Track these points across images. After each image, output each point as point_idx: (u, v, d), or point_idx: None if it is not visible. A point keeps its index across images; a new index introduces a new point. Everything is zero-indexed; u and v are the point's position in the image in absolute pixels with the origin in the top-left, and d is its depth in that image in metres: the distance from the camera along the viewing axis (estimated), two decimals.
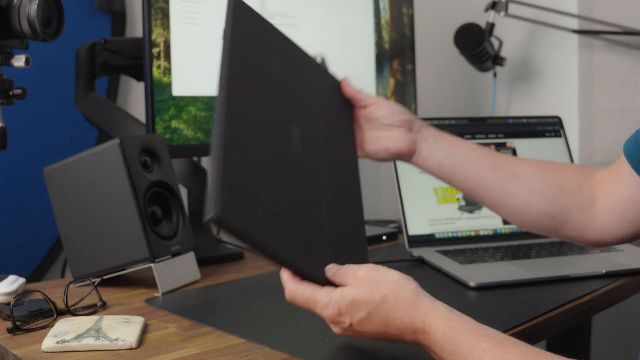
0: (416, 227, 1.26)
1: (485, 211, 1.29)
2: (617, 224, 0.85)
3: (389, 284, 0.65)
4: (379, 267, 0.68)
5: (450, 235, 1.27)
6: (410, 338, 0.65)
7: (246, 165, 0.65)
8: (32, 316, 0.88)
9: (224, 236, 0.60)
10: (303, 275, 0.68)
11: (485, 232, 1.28)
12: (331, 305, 0.66)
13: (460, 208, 1.28)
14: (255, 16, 0.78)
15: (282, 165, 0.71)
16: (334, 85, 0.91)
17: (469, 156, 0.89)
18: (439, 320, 0.63)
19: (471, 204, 1.29)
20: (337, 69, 1.48)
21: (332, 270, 0.69)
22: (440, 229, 1.26)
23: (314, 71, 0.88)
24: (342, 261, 0.70)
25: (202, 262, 1.17)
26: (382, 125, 0.89)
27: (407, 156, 0.90)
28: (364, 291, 0.65)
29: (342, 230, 0.76)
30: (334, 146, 0.82)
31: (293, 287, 0.68)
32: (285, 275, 0.69)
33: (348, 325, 0.67)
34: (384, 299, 0.65)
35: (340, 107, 0.89)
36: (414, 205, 1.26)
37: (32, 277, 1.41)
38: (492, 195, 0.89)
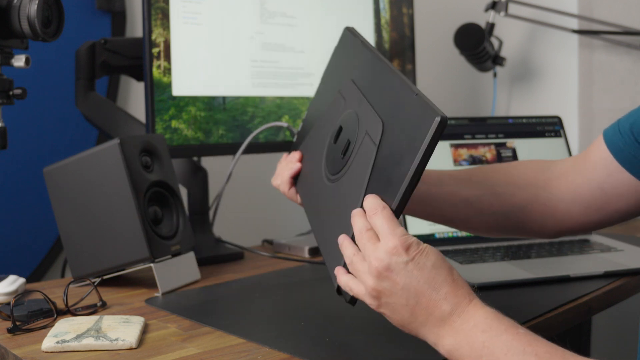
0: (416, 227, 1.25)
1: None
2: (582, 212, 0.85)
3: (439, 258, 0.66)
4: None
5: (450, 235, 1.27)
6: (448, 311, 0.63)
7: None
8: (32, 316, 0.88)
9: None
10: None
11: None
12: (377, 259, 0.64)
13: None
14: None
15: None
16: None
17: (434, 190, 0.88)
18: (479, 302, 0.65)
19: None
20: None
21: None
22: (441, 229, 1.26)
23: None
24: None
25: (202, 262, 1.17)
26: None
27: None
28: (417, 251, 0.64)
29: None
30: None
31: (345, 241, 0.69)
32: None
33: (388, 291, 0.64)
34: (435, 264, 0.65)
35: None
36: None
37: (32, 277, 1.41)
38: (442, 211, 0.88)
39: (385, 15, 1.57)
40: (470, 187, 0.88)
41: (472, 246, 1.24)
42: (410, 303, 0.63)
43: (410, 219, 1.25)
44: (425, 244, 0.65)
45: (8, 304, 0.89)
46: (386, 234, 0.64)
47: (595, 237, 1.30)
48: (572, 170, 0.87)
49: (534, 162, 0.93)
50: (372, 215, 0.66)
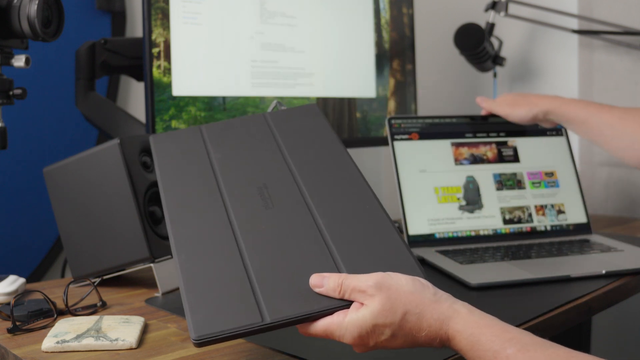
0: (416, 227, 1.26)
1: (485, 211, 1.29)
2: None
3: (406, 298, 0.62)
4: (388, 278, 0.63)
5: (450, 235, 1.27)
6: (438, 345, 0.63)
7: (204, 271, 0.67)
8: (32, 316, 0.88)
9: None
10: (316, 317, 0.64)
11: (486, 232, 1.28)
12: (349, 334, 0.62)
13: (461, 208, 1.28)
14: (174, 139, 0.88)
15: (251, 238, 0.72)
16: (300, 118, 0.92)
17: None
18: (461, 327, 0.61)
19: (472, 204, 1.29)
20: (337, 68, 1.48)
21: (323, 283, 0.65)
22: (441, 229, 1.26)
23: (265, 127, 0.89)
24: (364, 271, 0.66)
25: None
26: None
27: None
28: (383, 313, 0.61)
29: (359, 244, 0.72)
30: (320, 177, 0.81)
31: (308, 330, 0.65)
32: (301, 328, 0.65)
33: (372, 345, 0.63)
34: (404, 317, 0.61)
35: (315, 136, 0.88)
36: (414, 205, 1.26)
37: (32, 277, 1.41)
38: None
39: (385, 15, 1.57)
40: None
41: (472, 246, 1.24)
42: (407, 345, 0.63)
43: (410, 219, 1.25)
44: (365, 321, 0.62)
45: (8, 304, 0.89)
46: (334, 339, 0.64)
47: (595, 237, 1.30)
48: None
49: None
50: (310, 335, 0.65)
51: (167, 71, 1.21)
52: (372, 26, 1.55)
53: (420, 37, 1.74)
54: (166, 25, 1.20)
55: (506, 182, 1.33)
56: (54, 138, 1.44)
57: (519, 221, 1.30)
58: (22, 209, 1.41)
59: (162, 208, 0.75)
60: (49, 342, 0.78)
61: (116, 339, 0.79)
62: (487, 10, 1.79)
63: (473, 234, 1.27)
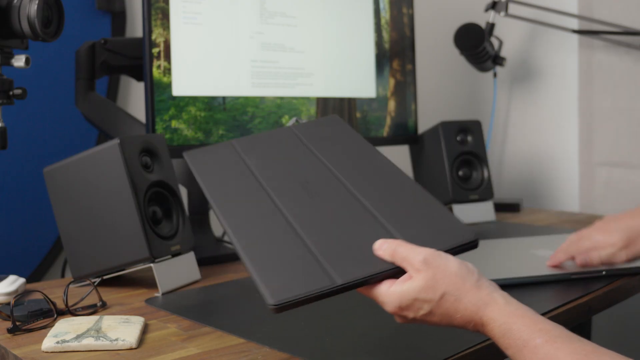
0: None
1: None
2: None
3: (449, 279, 0.64)
4: (437, 257, 0.65)
5: None
6: (472, 329, 0.66)
7: (266, 250, 0.71)
8: (32, 316, 0.88)
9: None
10: (379, 279, 0.67)
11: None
12: (390, 303, 0.66)
13: None
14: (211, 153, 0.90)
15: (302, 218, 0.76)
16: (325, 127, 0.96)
17: None
18: (496, 315, 0.64)
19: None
20: (337, 68, 1.48)
21: (382, 247, 0.68)
22: None
23: (293, 136, 0.93)
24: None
25: (202, 262, 1.17)
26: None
27: None
28: (425, 289, 0.64)
29: (408, 216, 0.75)
30: (357, 169, 0.85)
31: (365, 292, 0.68)
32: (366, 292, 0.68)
33: (411, 319, 0.66)
34: (444, 296, 0.64)
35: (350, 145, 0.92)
36: None
37: (32, 277, 1.41)
38: None
39: (385, 15, 1.57)
40: None
41: None
42: (442, 323, 0.67)
43: None
44: (407, 294, 0.65)
45: (8, 304, 0.89)
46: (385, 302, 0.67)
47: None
48: None
49: None
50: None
51: (167, 71, 1.21)
52: (372, 26, 1.55)
53: (420, 37, 1.74)
54: (166, 25, 1.20)
55: None
56: (54, 138, 1.44)
57: None
58: (22, 209, 1.41)
59: (211, 207, 0.78)
60: (49, 342, 0.78)
61: (116, 339, 0.79)
62: (487, 10, 1.79)
63: None
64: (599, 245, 1.03)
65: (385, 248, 0.67)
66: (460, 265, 0.66)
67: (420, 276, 0.64)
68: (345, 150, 0.88)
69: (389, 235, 0.70)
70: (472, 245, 0.69)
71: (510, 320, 0.63)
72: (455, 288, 0.64)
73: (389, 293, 0.65)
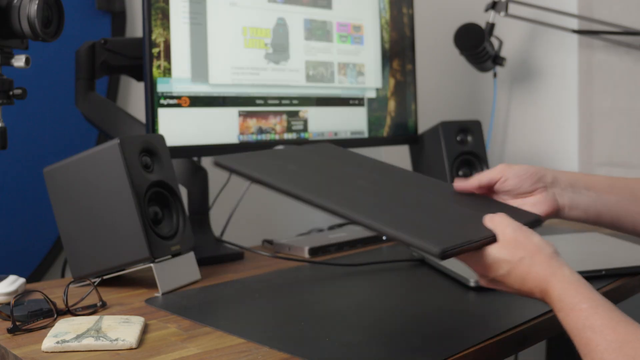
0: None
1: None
2: None
3: (529, 247, 0.73)
4: (524, 229, 0.74)
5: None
6: (538, 296, 0.72)
7: (395, 216, 0.76)
8: (32, 316, 0.88)
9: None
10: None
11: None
12: (478, 262, 0.74)
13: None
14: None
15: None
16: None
17: (610, 198, 0.90)
18: (557, 282, 0.71)
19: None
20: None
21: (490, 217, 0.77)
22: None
23: (310, 152, 0.92)
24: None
25: (202, 262, 1.17)
26: (517, 195, 0.88)
27: (553, 215, 0.89)
28: (506, 251, 0.73)
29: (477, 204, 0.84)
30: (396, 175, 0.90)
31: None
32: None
33: (491, 278, 0.75)
34: (521, 260, 0.72)
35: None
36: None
37: (32, 277, 1.41)
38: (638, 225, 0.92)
39: (385, 15, 1.57)
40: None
41: None
42: (515, 288, 0.75)
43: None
44: (491, 254, 0.74)
45: (8, 304, 0.89)
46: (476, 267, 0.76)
47: (595, 236, 1.30)
48: None
49: None
50: None
51: (167, 71, 1.21)
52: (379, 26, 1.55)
53: (420, 37, 1.74)
54: (166, 25, 1.20)
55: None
56: (54, 138, 1.44)
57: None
58: (22, 209, 1.41)
59: (298, 199, 0.75)
60: (49, 342, 0.78)
61: (116, 339, 0.79)
62: (487, 10, 1.79)
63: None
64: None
65: (497, 218, 0.76)
66: (541, 239, 0.74)
67: (507, 240, 0.73)
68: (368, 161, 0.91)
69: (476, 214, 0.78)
70: (539, 222, 0.82)
71: (568, 287, 0.70)
72: (531, 255, 0.72)
73: (479, 253, 0.74)
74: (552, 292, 0.71)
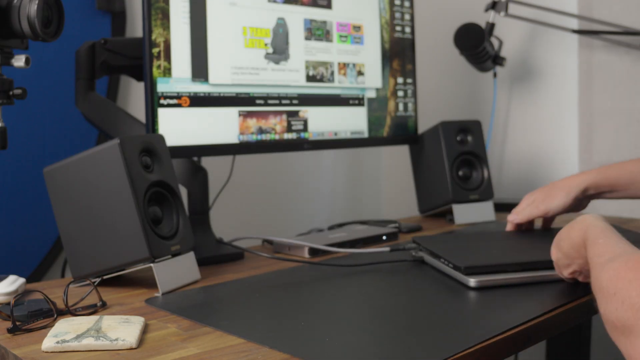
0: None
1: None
2: None
3: (586, 217, 0.91)
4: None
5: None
6: (578, 241, 0.90)
7: None
8: (32, 316, 0.88)
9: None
10: None
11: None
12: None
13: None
14: None
15: None
16: None
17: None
18: (593, 228, 0.87)
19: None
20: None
21: None
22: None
23: None
24: None
25: (202, 262, 1.17)
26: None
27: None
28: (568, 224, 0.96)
29: None
30: None
31: None
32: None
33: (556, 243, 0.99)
34: (575, 220, 0.94)
35: None
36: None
37: (32, 277, 1.41)
38: None
39: (385, 15, 1.57)
40: None
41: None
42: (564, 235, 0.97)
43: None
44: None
45: (8, 304, 0.89)
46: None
47: None
48: None
49: None
50: None
51: (167, 71, 1.21)
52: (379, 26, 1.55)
53: (420, 37, 1.74)
54: (166, 25, 1.20)
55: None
56: (54, 138, 1.44)
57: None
58: (22, 209, 1.41)
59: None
60: (49, 342, 0.78)
61: (116, 339, 0.79)
62: (487, 10, 1.79)
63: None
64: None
65: None
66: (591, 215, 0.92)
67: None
68: None
69: None
70: None
71: (600, 231, 0.85)
72: (583, 217, 0.92)
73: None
74: (588, 235, 0.87)
